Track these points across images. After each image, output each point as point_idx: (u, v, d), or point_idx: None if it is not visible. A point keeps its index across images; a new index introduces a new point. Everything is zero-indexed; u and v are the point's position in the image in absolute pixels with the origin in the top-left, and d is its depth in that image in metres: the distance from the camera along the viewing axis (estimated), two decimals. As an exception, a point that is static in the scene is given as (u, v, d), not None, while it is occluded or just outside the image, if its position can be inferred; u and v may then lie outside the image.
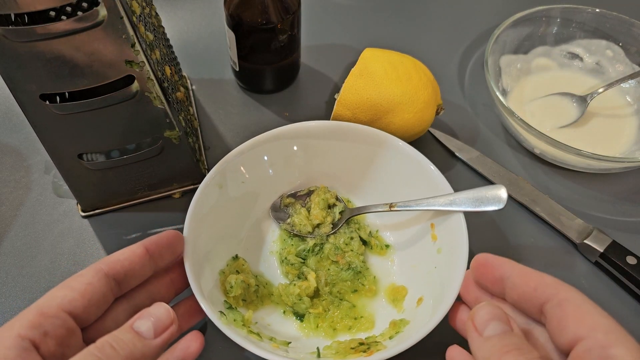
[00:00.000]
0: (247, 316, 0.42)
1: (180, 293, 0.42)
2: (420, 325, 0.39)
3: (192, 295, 0.40)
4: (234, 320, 0.41)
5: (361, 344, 0.41)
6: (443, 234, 0.45)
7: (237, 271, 0.45)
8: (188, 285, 0.40)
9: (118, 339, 0.32)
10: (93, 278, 0.35)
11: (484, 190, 0.44)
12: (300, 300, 0.45)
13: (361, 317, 0.45)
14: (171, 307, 0.37)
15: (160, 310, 0.35)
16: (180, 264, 0.41)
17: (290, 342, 0.42)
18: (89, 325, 0.35)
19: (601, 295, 0.48)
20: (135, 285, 0.38)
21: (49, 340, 0.32)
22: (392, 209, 0.47)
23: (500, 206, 0.43)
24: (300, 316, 0.45)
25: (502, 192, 0.43)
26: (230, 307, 0.42)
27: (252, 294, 0.45)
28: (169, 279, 0.41)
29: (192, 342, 0.38)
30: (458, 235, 0.43)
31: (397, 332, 0.42)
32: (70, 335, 0.33)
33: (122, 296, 0.38)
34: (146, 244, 0.38)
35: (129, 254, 0.37)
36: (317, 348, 0.41)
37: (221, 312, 0.40)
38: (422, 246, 0.47)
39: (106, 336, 0.33)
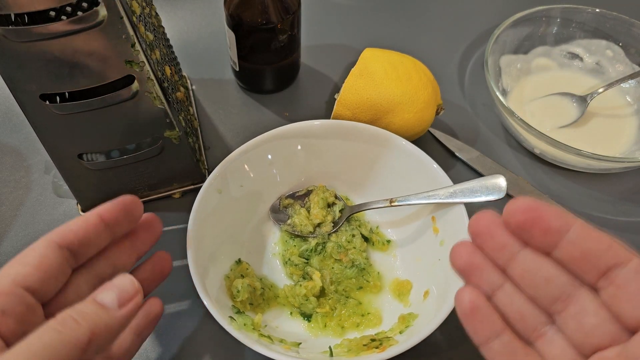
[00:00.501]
0: (256, 320, 0.42)
1: (141, 257, 0.40)
2: (429, 318, 0.40)
3: (154, 256, 0.40)
4: (244, 324, 0.41)
5: (373, 340, 0.41)
6: (445, 226, 0.45)
7: (241, 275, 0.45)
8: (148, 249, 0.39)
9: (80, 312, 0.30)
10: (46, 250, 0.33)
11: (483, 181, 0.44)
12: (307, 300, 0.45)
13: (368, 313, 0.45)
14: (133, 270, 0.36)
15: (124, 281, 0.33)
16: (140, 228, 0.39)
17: (300, 343, 0.43)
18: (49, 300, 0.33)
19: (601, 295, 0.48)
20: (92, 254, 0.36)
21: (7, 320, 0.30)
22: (392, 204, 0.47)
23: (501, 195, 0.43)
24: (307, 316, 0.45)
25: (502, 181, 0.43)
26: (238, 312, 0.42)
27: (258, 297, 0.45)
28: (129, 244, 0.38)
29: (154, 306, 0.38)
30: (460, 226, 0.43)
31: (407, 326, 0.42)
32: (29, 312, 0.31)
33: (82, 267, 0.36)
34: (100, 212, 0.36)
35: (82, 224, 0.35)
36: (330, 347, 0.41)
37: (231, 317, 0.40)
38: (424, 240, 0.47)
39: (67, 309, 0.30)
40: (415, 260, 0.47)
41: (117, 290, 0.32)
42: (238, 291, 0.43)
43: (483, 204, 0.50)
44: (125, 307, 0.32)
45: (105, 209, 0.36)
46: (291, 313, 0.46)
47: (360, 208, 0.49)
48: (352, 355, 0.40)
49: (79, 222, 0.35)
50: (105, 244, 0.37)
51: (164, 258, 0.41)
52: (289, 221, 0.50)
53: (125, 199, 0.37)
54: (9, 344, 0.29)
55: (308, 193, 0.51)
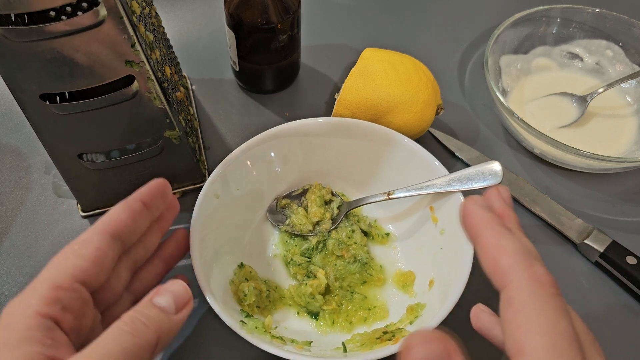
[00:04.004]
0: (267, 322, 0.42)
1: (164, 235, 0.41)
2: (436, 307, 0.40)
3: (175, 234, 0.42)
4: (256, 327, 0.41)
5: (385, 332, 0.41)
6: (444, 215, 0.46)
7: (246, 279, 0.45)
8: (170, 226, 0.41)
9: (145, 315, 0.32)
10: (101, 242, 0.33)
11: (478, 167, 0.44)
12: (313, 299, 0.45)
13: (374, 307, 0.45)
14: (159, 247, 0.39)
15: (179, 288, 0.34)
16: (165, 208, 0.39)
17: (312, 342, 0.43)
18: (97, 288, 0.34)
19: (601, 295, 0.48)
20: (135, 240, 0.37)
21: (67, 315, 0.31)
22: (390, 197, 0.47)
23: (497, 180, 0.43)
24: (314, 315, 0.45)
25: (496, 166, 0.44)
26: (248, 315, 0.42)
27: (264, 299, 0.45)
28: (156, 225, 0.39)
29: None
30: (459, 214, 0.43)
31: (416, 316, 0.42)
32: (85, 305, 0.32)
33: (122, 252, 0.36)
34: (142, 198, 0.36)
35: (130, 212, 0.35)
36: (343, 343, 0.41)
37: (242, 321, 0.40)
38: (424, 230, 0.47)
39: (131, 312, 0.32)
40: (416, 250, 0.48)
41: (172, 296, 0.34)
42: (245, 295, 0.43)
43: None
44: (181, 312, 0.34)
45: (145, 193, 0.36)
46: (298, 313, 0.46)
47: (359, 203, 0.50)
48: (366, 349, 0.40)
49: (125, 210, 0.35)
50: (146, 229, 0.38)
51: (183, 235, 0.42)
52: (287, 221, 0.50)
53: (159, 182, 0.37)
54: (70, 338, 0.31)
55: (304, 192, 0.51)
